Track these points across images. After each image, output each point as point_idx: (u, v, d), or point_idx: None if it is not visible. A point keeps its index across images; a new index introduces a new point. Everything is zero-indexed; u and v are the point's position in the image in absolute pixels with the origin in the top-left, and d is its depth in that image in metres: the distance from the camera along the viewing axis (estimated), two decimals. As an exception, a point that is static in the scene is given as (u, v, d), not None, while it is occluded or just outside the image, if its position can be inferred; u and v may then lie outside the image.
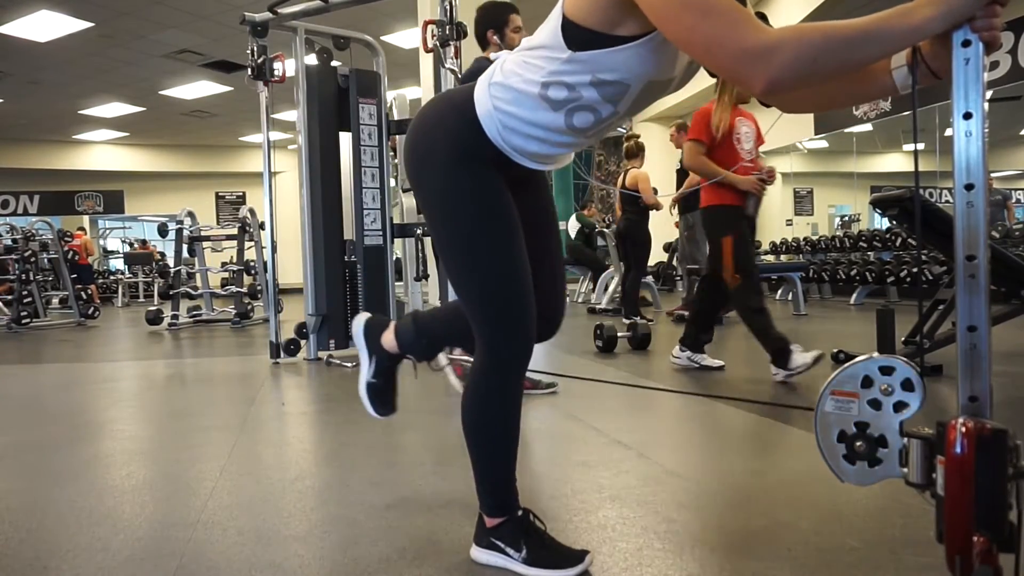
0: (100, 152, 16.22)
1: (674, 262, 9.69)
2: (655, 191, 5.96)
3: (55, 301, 9.41)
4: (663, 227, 8.43)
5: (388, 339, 1.55)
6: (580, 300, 9.03)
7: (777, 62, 0.93)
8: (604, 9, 1.07)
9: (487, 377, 1.32)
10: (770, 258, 9.95)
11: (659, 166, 6.81)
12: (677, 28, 0.98)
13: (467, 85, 1.29)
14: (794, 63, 0.93)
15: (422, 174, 1.28)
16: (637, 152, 6.10)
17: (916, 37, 0.95)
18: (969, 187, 0.99)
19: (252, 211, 7.97)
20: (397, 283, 5.32)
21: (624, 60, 1.10)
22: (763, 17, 1.15)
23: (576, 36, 1.10)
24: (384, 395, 1.58)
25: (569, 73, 1.13)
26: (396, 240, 4.74)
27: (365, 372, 1.57)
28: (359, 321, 1.60)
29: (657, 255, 7.49)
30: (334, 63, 4.52)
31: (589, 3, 1.08)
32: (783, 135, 10.62)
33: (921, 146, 9.19)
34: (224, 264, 7.99)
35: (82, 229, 13.33)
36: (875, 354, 1.06)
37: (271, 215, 4.64)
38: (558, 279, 1.44)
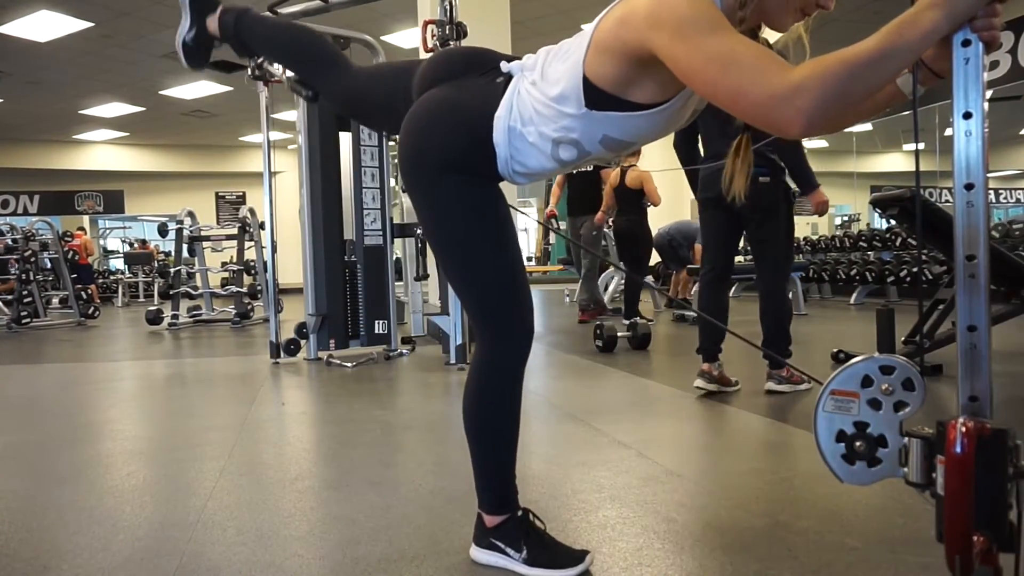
0: (100, 152, 16.22)
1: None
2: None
3: (55, 301, 9.41)
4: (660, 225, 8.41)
5: (211, 24, 1.62)
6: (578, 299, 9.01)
7: (806, 102, 0.91)
8: (623, 67, 1.07)
9: (487, 376, 1.33)
10: (770, 258, 9.93)
11: (659, 166, 6.79)
12: (703, 80, 0.98)
13: (477, 93, 1.25)
14: (824, 99, 0.91)
15: (416, 172, 1.28)
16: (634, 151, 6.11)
17: (928, 42, 0.94)
18: (969, 187, 0.99)
19: (252, 211, 7.97)
20: (397, 283, 5.32)
21: (637, 126, 1.13)
22: (782, 55, 1.14)
23: (594, 96, 1.11)
24: (197, 56, 1.67)
25: (580, 130, 1.15)
26: (396, 240, 4.74)
27: (183, 30, 1.65)
28: None
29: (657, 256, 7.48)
30: (334, 63, 4.52)
31: (608, 61, 1.08)
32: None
33: (921, 146, 9.19)
34: (224, 264, 7.99)
35: (82, 229, 13.33)
36: (875, 354, 1.06)
37: (271, 215, 4.64)
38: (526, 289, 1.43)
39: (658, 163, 6.21)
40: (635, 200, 5.93)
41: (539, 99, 1.17)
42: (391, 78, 1.42)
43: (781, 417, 2.51)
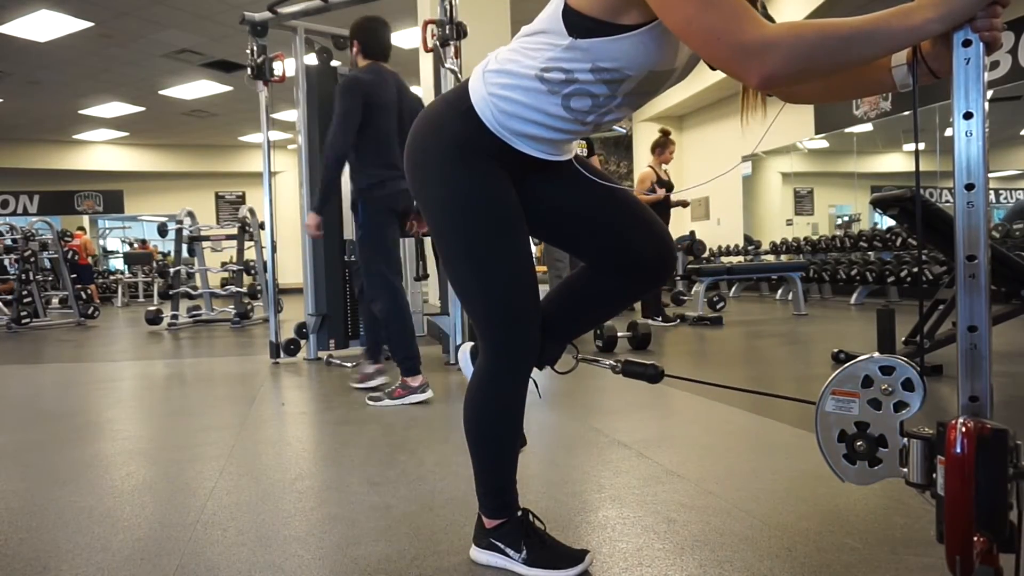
0: (100, 152, 16.22)
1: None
2: (653, 189, 5.94)
3: (55, 301, 9.41)
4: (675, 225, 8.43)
5: None
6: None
7: (772, 58, 0.93)
8: None
9: (490, 379, 1.32)
10: (770, 258, 9.96)
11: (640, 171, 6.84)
12: (678, 18, 0.98)
13: (459, 85, 1.29)
14: (789, 60, 0.93)
15: (421, 180, 1.28)
16: (654, 147, 5.98)
17: (915, 38, 0.95)
18: (969, 187, 0.99)
19: (252, 211, 7.96)
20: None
21: (625, 49, 1.09)
22: (765, 10, 1.14)
23: (578, 23, 1.10)
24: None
25: (568, 60, 1.13)
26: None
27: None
28: (465, 349, 1.59)
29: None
30: (334, 63, 4.52)
31: None
32: (783, 135, 10.63)
33: (922, 146, 9.19)
34: (224, 264, 7.99)
35: (82, 229, 13.33)
36: (875, 354, 1.06)
37: (271, 215, 4.64)
38: (648, 223, 1.37)
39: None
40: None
41: (525, 41, 1.17)
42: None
43: (781, 417, 2.51)
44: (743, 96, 1.22)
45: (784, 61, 0.93)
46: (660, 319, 5.96)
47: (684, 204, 6.51)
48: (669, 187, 5.97)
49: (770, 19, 1.05)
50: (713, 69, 1.05)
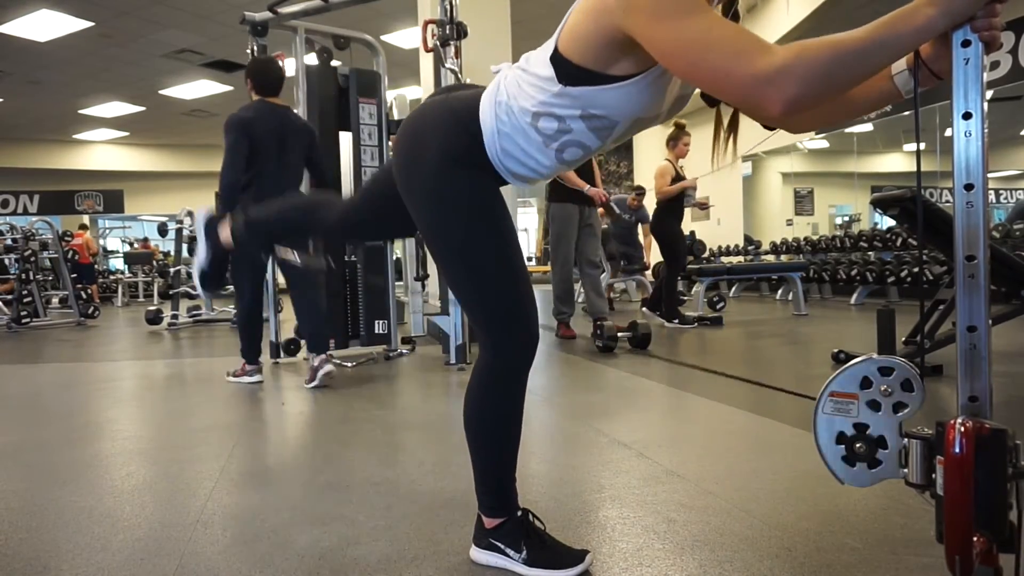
0: (100, 152, 16.23)
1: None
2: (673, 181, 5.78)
3: (55, 301, 9.42)
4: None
5: (224, 235, 1.66)
6: (580, 299, 9.02)
7: (789, 83, 0.90)
8: (599, 49, 1.07)
9: (490, 378, 1.32)
10: (770, 258, 9.96)
11: (656, 164, 6.80)
12: (683, 64, 0.97)
13: (465, 93, 1.28)
14: (807, 82, 0.90)
15: (413, 177, 1.28)
16: (669, 140, 5.81)
17: (922, 38, 0.94)
18: (969, 187, 0.99)
19: (252, 211, 7.95)
20: (397, 283, 5.32)
21: (614, 99, 1.11)
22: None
23: (568, 72, 1.10)
24: (214, 281, 1.73)
25: (559, 106, 1.14)
26: (396, 240, 4.73)
27: (201, 260, 1.71)
28: (201, 213, 1.72)
29: (656, 255, 7.49)
30: (334, 63, 4.52)
31: (584, 42, 1.07)
32: (784, 135, 10.63)
33: (922, 146, 9.19)
34: (224, 264, 7.97)
35: (84, 227, 13.32)
36: (874, 354, 1.06)
37: (271, 215, 4.62)
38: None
39: (655, 164, 6.21)
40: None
41: (522, 78, 1.18)
42: (375, 181, 1.48)
43: (781, 417, 2.51)
44: (714, 139, 1.23)
45: (802, 83, 0.91)
46: (677, 321, 5.79)
47: (703, 206, 6.34)
48: None
49: None
50: (730, 106, 1.05)
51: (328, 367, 3.46)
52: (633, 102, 1.11)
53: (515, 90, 1.18)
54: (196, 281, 1.75)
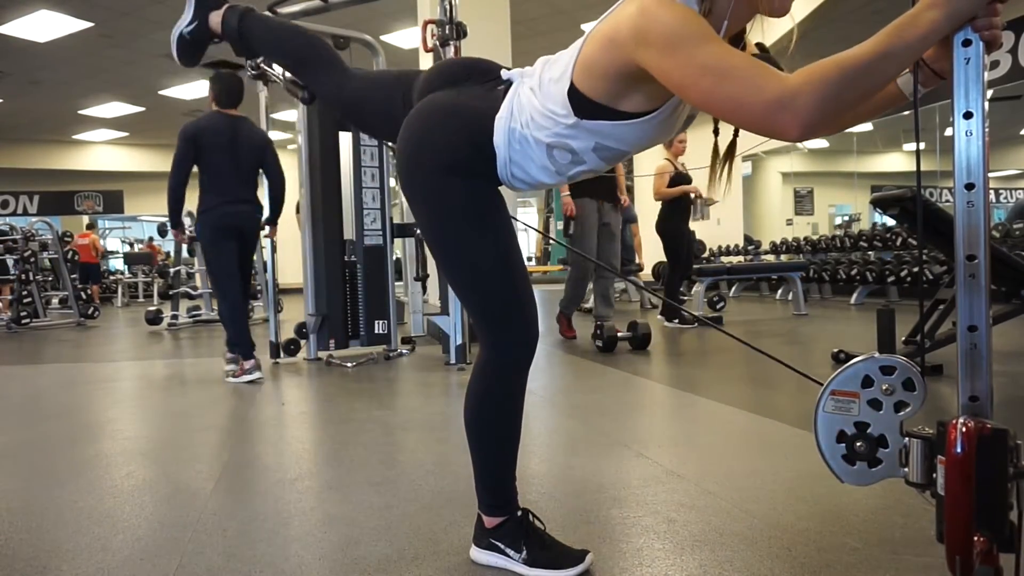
0: (100, 152, 16.22)
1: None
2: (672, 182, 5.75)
3: (55, 301, 9.41)
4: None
5: (214, 20, 1.61)
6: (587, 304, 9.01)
7: (803, 107, 0.92)
8: (613, 82, 1.08)
9: (490, 377, 1.33)
10: (770, 258, 9.96)
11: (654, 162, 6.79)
12: (697, 94, 0.99)
13: (477, 98, 1.25)
14: (820, 103, 0.92)
15: (415, 175, 1.27)
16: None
17: (928, 44, 0.94)
18: (969, 187, 0.99)
19: (252, 211, 7.96)
20: (397, 283, 5.32)
21: (629, 132, 1.14)
22: (764, 52, 1.15)
23: (583, 105, 1.12)
24: (187, 53, 1.65)
25: (573, 138, 1.16)
26: (396, 240, 4.73)
27: (183, 23, 1.62)
28: (175, 32, 1.65)
29: (657, 254, 7.49)
30: (334, 63, 4.52)
31: (599, 76, 1.09)
32: (783, 135, 10.62)
33: (922, 146, 9.19)
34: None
35: (91, 227, 13.32)
36: (875, 354, 1.06)
37: (271, 215, 4.63)
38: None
39: (655, 164, 6.20)
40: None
41: (536, 107, 1.18)
42: (390, 84, 1.42)
43: (781, 417, 2.51)
44: (711, 169, 1.23)
45: (816, 106, 0.92)
46: (677, 320, 5.75)
47: (709, 203, 6.31)
48: (687, 181, 5.82)
49: (775, 64, 1.06)
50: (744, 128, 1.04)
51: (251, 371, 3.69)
52: (647, 134, 1.15)
53: (528, 119, 1.19)
54: (172, 41, 1.64)
